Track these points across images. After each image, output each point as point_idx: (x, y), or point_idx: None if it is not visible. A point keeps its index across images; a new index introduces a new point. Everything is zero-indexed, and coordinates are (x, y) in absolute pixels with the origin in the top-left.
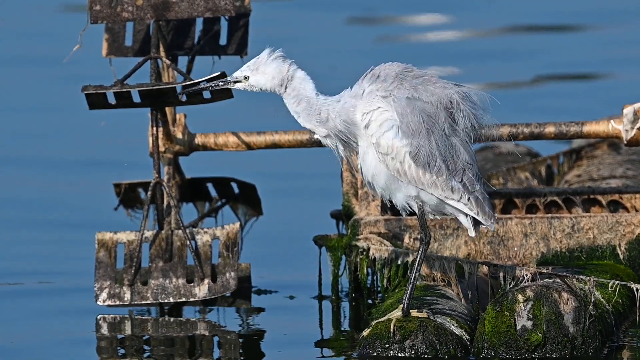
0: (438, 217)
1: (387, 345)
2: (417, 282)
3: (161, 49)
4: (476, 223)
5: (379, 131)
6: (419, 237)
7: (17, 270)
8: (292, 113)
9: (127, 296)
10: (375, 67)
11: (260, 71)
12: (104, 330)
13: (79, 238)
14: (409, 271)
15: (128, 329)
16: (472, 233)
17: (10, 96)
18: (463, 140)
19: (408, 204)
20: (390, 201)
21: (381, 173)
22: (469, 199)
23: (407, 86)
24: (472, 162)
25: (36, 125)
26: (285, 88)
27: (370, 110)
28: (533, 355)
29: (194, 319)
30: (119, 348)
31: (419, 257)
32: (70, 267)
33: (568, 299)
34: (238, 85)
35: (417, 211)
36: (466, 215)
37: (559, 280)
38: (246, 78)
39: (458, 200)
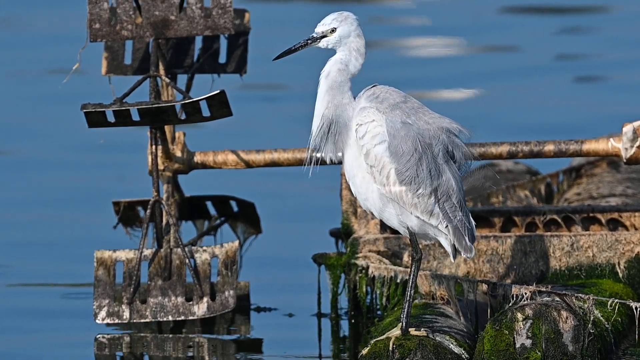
0: (424, 242)
1: None
2: (416, 301)
3: (160, 67)
4: (456, 249)
5: (370, 142)
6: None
7: (16, 280)
8: (331, 64)
9: (126, 314)
10: (376, 86)
11: (349, 22)
12: (103, 348)
13: (77, 255)
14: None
15: (127, 346)
16: (452, 259)
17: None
18: (453, 170)
19: (401, 224)
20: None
21: (374, 194)
22: (447, 226)
23: (399, 113)
24: (458, 192)
25: (35, 142)
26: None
27: (366, 122)
28: None
29: (192, 337)
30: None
31: (412, 275)
32: (69, 283)
33: (567, 318)
34: (322, 42)
35: (407, 230)
36: (446, 237)
37: (558, 299)
38: (333, 31)
39: (436, 226)
